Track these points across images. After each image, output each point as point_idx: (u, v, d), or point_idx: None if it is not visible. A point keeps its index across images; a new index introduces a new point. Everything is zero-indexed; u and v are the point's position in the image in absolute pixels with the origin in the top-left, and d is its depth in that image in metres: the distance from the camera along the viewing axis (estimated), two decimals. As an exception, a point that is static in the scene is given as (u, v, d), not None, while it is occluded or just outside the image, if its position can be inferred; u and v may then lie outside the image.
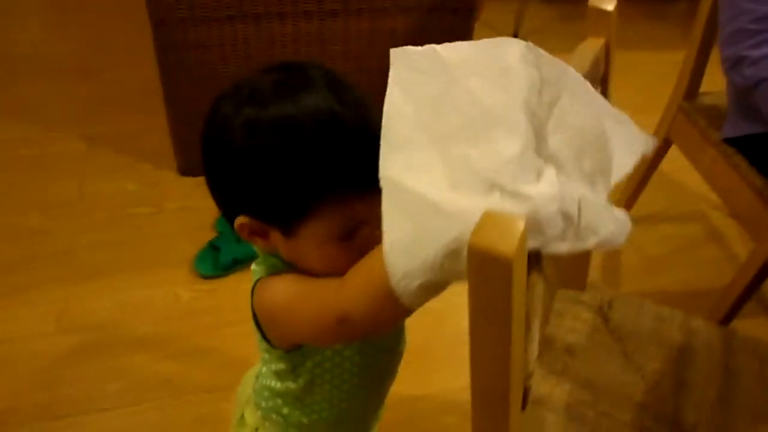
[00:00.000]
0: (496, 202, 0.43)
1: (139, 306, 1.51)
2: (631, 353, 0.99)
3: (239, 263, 1.59)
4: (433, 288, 0.46)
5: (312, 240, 0.59)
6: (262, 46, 1.66)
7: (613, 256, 1.77)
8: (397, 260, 0.45)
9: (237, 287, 1.57)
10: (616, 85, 0.83)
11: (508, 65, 0.48)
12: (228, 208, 0.64)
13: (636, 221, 1.74)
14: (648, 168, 1.69)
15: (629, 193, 1.76)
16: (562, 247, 0.45)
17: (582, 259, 1.05)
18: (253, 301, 0.66)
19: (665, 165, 1.67)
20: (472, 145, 0.45)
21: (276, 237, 0.62)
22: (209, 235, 1.67)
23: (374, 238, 0.51)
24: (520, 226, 0.42)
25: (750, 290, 1.35)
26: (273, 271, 0.64)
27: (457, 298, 0.51)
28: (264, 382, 0.77)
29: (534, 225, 0.43)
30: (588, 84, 0.55)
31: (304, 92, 0.57)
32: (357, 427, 0.84)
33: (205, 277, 1.58)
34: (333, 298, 0.55)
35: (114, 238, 1.68)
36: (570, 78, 0.53)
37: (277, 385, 0.74)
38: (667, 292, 1.68)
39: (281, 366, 0.71)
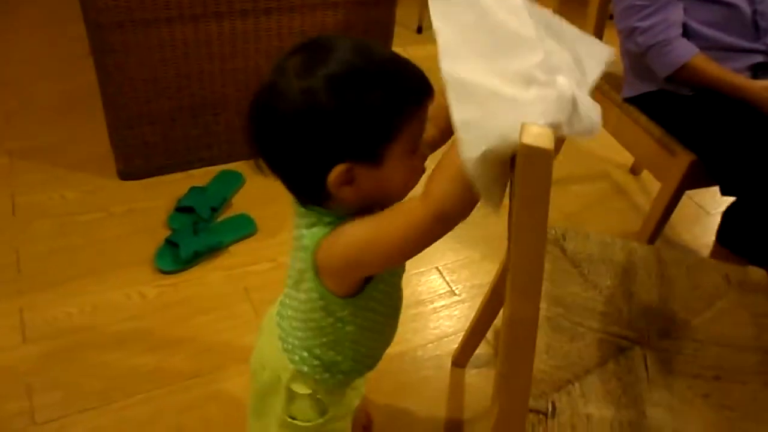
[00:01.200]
0: (536, 91, 0.57)
1: (105, 307, 1.53)
2: (587, 274, 1.16)
3: (200, 255, 1.64)
4: (494, 159, 0.58)
5: (396, 158, 0.70)
6: (200, 46, 1.72)
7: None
8: (468, 135, 0.57)
9: (201, 278, 1.62)
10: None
11: (516, 5, 0.63)
12: (318, 173, 0.69)
13: (552, 183, 1.94)
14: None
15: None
16: (569, 130, 0.60)
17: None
18: (317, 261, 0.74)
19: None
20: (505, 56, 0.59)
21: (363, 175, 0.70)
22: (163, 233, 1.70)
23: (426, 147, 0.73)
24: (552, 134, 0.56)
25: (660, 224, 1.58)
26: (333, 227, 0.73)
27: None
28: (307, 344, 0.87)
29: (558, 108, 0.58)
30: (561, 19, 0.72)
31: (350, 49, 0.69)
32: (378, 356, 0.96)
33: (167, 273, 1.62)
34: (421, 206, 0.65)
35: (62, 245, 1.67)
36: (550, 16, 0.68)
37: (326, 338, 0.85)
38: (588, 241, 1.90)
39: (345, 312, 0.81)
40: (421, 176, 0.72)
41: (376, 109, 0.67)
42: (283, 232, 1.76)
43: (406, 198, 0.75)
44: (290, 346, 0.89)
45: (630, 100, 1.62)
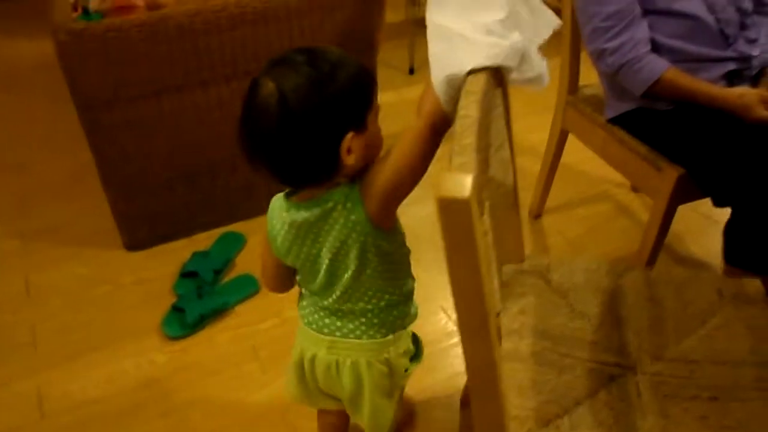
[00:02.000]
0: (493, 39, 0.80)
1: (118, 378, 1.56)
2: (574, 303, 1.16)
3: (206, 318, 1.67)
4: (454, 82, 0.80)
5: (371, 123, 0.89)
6: (188, 115, 1.77)
7: (540, 241, 1.97)
8: (436, 64, 0.82)
9: (209, 340, 1.65)
10: (510, 94, 1.02)
11: None
12: (332, 142, 0.85)
13: (554, 210, 1.97)
14: (552, 161, 1.91)
15: (542, 188, 1.98)
16: (519, 76, 0.85)
17: (517, 237, 1.22)
18: (367, 210, 0.90)
19: (566, 158, 1.90)
20: (478, 10, 0.81)
21: (356, 142, 0.86)
22: (170, 300, 1.74)
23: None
24: (469, 181, 0.58)
25: (658, 242, 1.56)
26: (356, 183, 0.91)
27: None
28: (389, 310, 1.05)
29: (508, 55, 0.80)
30: None
31: (335, 52, 0.88)
32: None
33: (175, 338, 1.65)
34: (419, 122, 0.86)
35: (77, 321, 1.72)
36: None
37: (401, 271, 1.04)
38: (593, 264, 1.88)
39: (399, 239, 1.00)
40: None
41: (364, 84, 0.88)
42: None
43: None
44: (378, 327, 1.04)
45: (613, 121, 1.62)
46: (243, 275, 1.82)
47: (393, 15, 3.36)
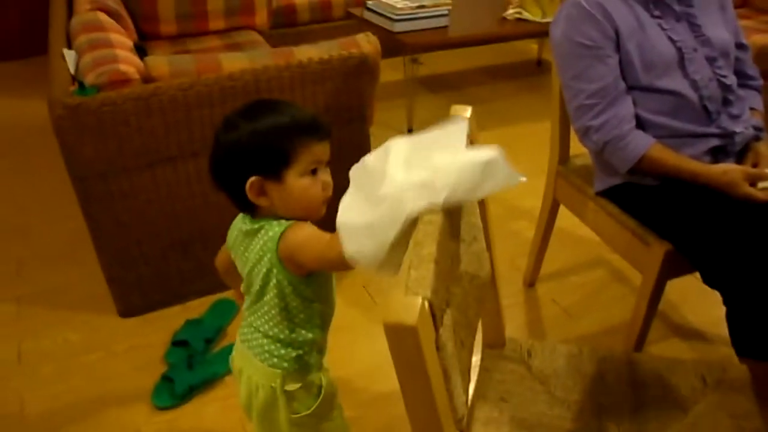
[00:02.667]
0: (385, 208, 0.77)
1: (103, 451, 1.55)
2: (554, 390, 1.14)
3: (195, 389, 1.66)
4: (383, 262, 0.77)
5: (294, 177, 0.98)
6: (181, 185, 1.80)
7: (535, 311, 1.95)
8: (359, 261, 0.79)
9: (197, 411, 1.63)
10: (507, 155, 1.01)
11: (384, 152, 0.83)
12: (240, 182, 0.97)
13: (548, 278, 1.96)
14: (545, 229, 1.91)
15: (535, 255, 1.97)
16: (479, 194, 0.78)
17: (497, 322, 1.22)
18: (279, 248, 0.97)
19: (560, 222, 1.90)
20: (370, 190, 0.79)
21: (271, 189, 0.98)
22: (161, 368, 1.74)
23: (328, 176, 1.02)
24: (418, 304, 0.58)
25: (649, 316, 1.54)
26: (289, 224, 0.98)
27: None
28: (284, 341, 1.07)
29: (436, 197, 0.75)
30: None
31: (272, 108, 1.00)
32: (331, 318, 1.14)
33: (164, 409, 1.64)
34: (336, 245, 0.84)
35: (65, 389, 1.71)
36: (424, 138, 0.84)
37: (301, 317, 1.06)
38: (588, 333, 1.86)
39: (308, 291, 1.03)
40: (322, 196, 1.01)
41: (273, 141, 0.96)
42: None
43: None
44: (269, 354, 1.08)
45: (602, 193, 1.62)
46: (234, 344, 1.81)
47: (392, 74, 3.42)
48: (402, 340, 0.58)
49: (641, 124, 1.47)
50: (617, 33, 1.43)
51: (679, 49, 1.44)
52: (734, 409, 1.10)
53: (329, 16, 3.35)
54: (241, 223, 1.07)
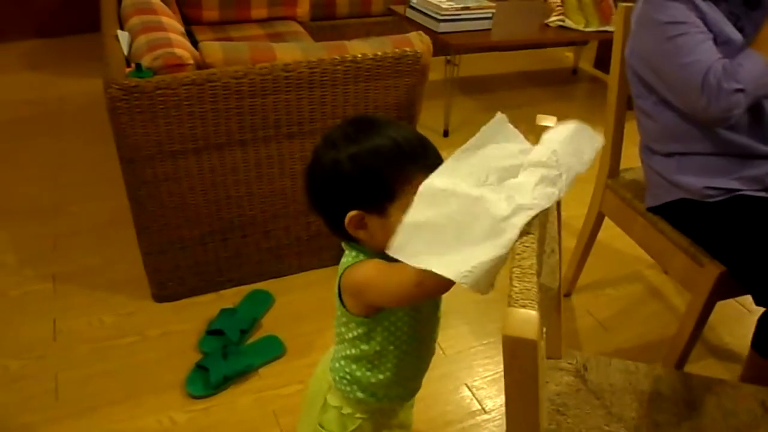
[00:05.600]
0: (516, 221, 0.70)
1: (136, 435, 1.55)
2: (610, 406, 1.13)
3: (230, 380, 1.66)
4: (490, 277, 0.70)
5: (399, 213, 0.82)
6: (226, 173, 1.79)
7: (570, 322, 1.94)
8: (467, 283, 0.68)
9: (231, 402, 1.63)
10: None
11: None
12: (339, 212, 0.89)
13: (584, 289, 1.95)
14: (588, 241, 1.89)
15: (575, 266, 1.96)
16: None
17: (557, 334, 1.21)
18: (341, 282, 0.93)
19: (600, 235, 1.88)
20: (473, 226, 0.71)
21: (372, 222, 0.89)
22: (194, 356, 1.73)
23: None
24: (536, 317, 0.57)
25: (694, 336, 1.53)
26: (360, 260, 0.92)
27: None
28: (340, 354, 1.03)
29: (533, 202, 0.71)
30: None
31: (378, 129, 0.88)
32: (409, 387, 1.08)
33: (198, 398, 1.63)
34: (411, 271, 0.77)
35: (99, 371, 1.71)
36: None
37: (352, 351, 1.00)
38: (623, 348, 1.85)
39: (360, 330, 0.97)
40: None
41: (381, 177, 0.86)
42: (312, 353, 1.77)
43: None
44: (334, 357, 1.06)
45: (654, 210, 1.60)
46: (269, 336, 1.81)
47: (430, 74, 3.40)
48: (521, 354, 0.57)
49: (707, 135, 1.44)
50: (704, 21, 1.40)
51: None
52: (794, 438, 1.09)
53: (368, 11, 3.34)
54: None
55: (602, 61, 3.87)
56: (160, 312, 1.91)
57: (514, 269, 0.71)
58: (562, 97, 3.56)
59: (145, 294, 1.95)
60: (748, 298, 1.39)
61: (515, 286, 0.68)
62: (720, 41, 1.40)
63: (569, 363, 1.21)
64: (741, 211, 1.42)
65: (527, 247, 0.74)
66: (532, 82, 3.81)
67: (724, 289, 1.45)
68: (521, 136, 0.81)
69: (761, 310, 1.37)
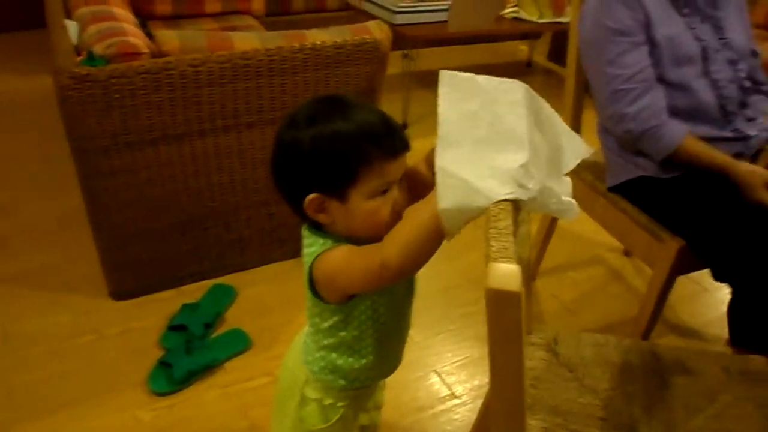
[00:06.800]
0: (513, 189, 0.67)
1: (100, 436, 1.49)
2: (582, 378, 1.14)
3: (194, 375, 1.61)
4: (462, 222, 0.69)
5: (360, 198, 0.85)
6: (185, 164, 1.75)
7: (536, 305, 1.96)
8: (445, 212, 0.68)
9: (197, 398, 1.59)
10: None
11: (517, 99, 0.73)
12: (299, 194, 0.86)
13: (548, 272, 1.97)
14: (549, 225, 1.91)
15: (537, 250, 1.98)
16: (535, 209, 0.73)
17: (526, 306, 1.21)
18: (313, 270, 0.89)
19: (562, 220, 1.90)
20: (496, 151, 0.69)
21: (333, 207, 0.86)
22: (156, 353, 1.68)
23: (401, 195, 0.87)
24: (518, 273, 0.57)
25: (656, 311, 1.56)
26: (328, 247, 0.88)
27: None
28: (318, 345, 0.99)
29: (529, 200, 0.69)
30: (553, 113, 0.80)
31: (343, 110, 0.85)
32: (389, 365, 1.05)
33: (162, 394, 1.59)
34: (375, 252, 0.79)
35: (56, 372, 1.64)
36: (545, 109, 0.79)
37: (330, 340, 0.97)
38: (589, 329, 1.87)
39: (335, 318, 0.94)
40: (391, 218, 0.86)
41: (342, 159, 0.83)
42: (278, 345, 1.74)
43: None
44: (306, 348, 1.03)
45: (614, 189, 1.63)
46: (233, 330, 1.77)
47: (388, 69, 3.41)
48: (505, 306, 0.57)
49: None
50: (648, 21, 1.44)
51: (704, 49, 1.46)
52: (760, 400, 1.11)
53: (323, 6, 3.33)
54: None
55: (556, 54, 3.94)
56: (118, 310, 1.85)
57: (491, 230, 0.71)
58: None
59: (102, 292, 1.89)
60: (703, 276, 1.43)
61: (492, 245, 0.68)
62: (662, 36, 1.46)
63: (540, 338, 1.21)
64: (697, 186, 1.45)
65: (502, 209, 0.74)
66: (488, 75, 3.83)
67: (683, 264, 1.48)
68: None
69: (717, 288, 1.41)
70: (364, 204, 0.85)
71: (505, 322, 0.58)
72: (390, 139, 0.84)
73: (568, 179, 0.78)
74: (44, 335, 1.76)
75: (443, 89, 0.72)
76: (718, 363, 1.19)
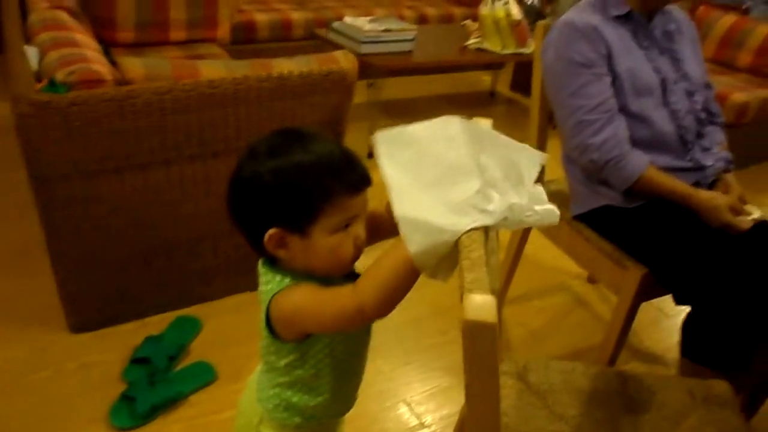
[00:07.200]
0: (475, 218, 0.69)
1: (55, 476, 1.43)
2: (552, 405, 1.14)
3: (158, 409, 1.57)
4: (435, 260, 0.72)
5: (322, 234, 0.83)
6: (149, 194, 1.72)
7: (504, 334, 1.97)
8: (417, 256, 0.70)
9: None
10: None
11: (453, 134, 0.75)
12: (258, 229, 0.84)
13: (514, 300, 1.97)
14: (515, 255, 1.93)
15: (504, 279, 1.99)
16: (512, 226, 0.74)
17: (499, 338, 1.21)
18: (270, 309, 0.86)
19: (527, 248, 1.93)
20: (448, 188, 0.71)
21: (294, 242, 0.84)
22: (118, 387, 1.63)
23: (363, 230, 0.86)
24: (494, 304, 0.57)
25: (622, 337, 1.58)
26: (288, 284, 0.86)
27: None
28: (272, 383, 0.96)
29: (493, 223, 0.70)
30: (495, 132, 0.82)
31: (303, 143, 0.84)
32: (346, 403, 1.02)
33: (124, 430, 1.53)
34: (349, 297, 0.78)
35: (9, 411, 1.57)
36: (485, 132, 0.81)
37: (285, 378, 0.94)
38: (555, 356, 1.89)
39: (292, 357, 0.91)
40: (352, 254, 0.86)
41: (303, 194, 0.82)
42: (244, 376, 1.67)
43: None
44: (260, 386, 1.00)
45: (579, 217, 1.66)
46: (198, 362, 1.73)
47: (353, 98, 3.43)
48: (481, 338, 0.57)
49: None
50: (609, 53, 1.49)
51: (663, 80, 1.50)
52: (722, 424, 1.13)
53: (288, 35, 3.34)
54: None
55: (518, 84, 4.02)
56: (77, 343, 1.79)
57: (464, 261, 0.71)
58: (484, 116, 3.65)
59: (60, 325, 1.83)
60: (664, 302, 1.45)
61: (467, 276, 0.68)
62: (623, 68, 1.51)
63: (509, 367, 1.22)
64: (660, 214, 1.49)
65: (474, 240, 0.75)
66: (452, 104, 3.90)
67: (647, 290, 1.51)
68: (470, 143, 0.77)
69: (678, 313, 1.44)
70: (325, 239, 0.83)
71: (482, 353, 0.58)
72: (352, 174, 0.83)
73: (539, 188, 0.78)
74: (-2, 371, 1.69)
75: (381, 148, 0.75)
76: (683, 388, 1.21)
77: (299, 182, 0.81)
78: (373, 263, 0.78)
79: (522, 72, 3.83)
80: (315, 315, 0.84)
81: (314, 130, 0.88)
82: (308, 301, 0.84)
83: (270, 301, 0.86)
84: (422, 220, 0.70)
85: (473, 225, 0.70)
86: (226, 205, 0.88)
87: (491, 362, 0.58)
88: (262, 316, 0.88)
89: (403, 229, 0.70)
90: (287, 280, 0.86)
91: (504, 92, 4.15)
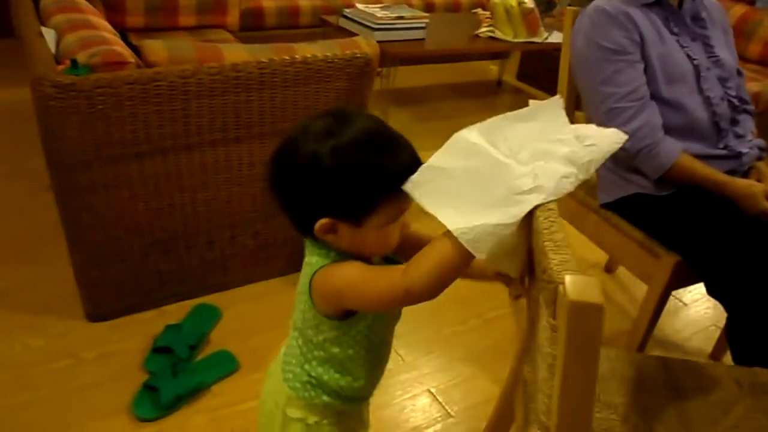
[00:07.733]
0: (526, 198, 0.72)
1: (80, 467, 1.40)
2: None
3: (182, 399, 1.54)
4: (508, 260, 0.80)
5: (374, 226, 0.84)
6: (170, 179, 1.68)
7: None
8: (491, 260, 0.75)
9: (184, 423, 1.51)
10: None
11: (466, 146, 0.75)
12: (309, 216, 0.84)
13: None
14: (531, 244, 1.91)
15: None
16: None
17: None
18: (313, 283, 0.87)
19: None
20: (489, 191, 0.73)
21: (344, 230, 0.84)
22: (139, 377, 1.60)
23: (406, 216, 0.86)
24: (598, 282, 0.55)
25: (651, 325, 1.57)
26: (335, 260, 0.86)
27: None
28: (304, 358, 0.96)
29: (547, 196, 0.72)
30: (503, 115, 0.79)
31: (356, 124, 0.82)
32: (373, 384, 1.02)
33: (147, 421, 1.50)
34: (399, 278, 0.78)
35: (26, 400, 1.54)
36: (497, 121, 0.78)
37: (320, 353, 0.94)
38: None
39: (333, 333, 0.91)
40: (396, 241, 0.87)
41: (365, 189, 0.81)
42: (265, 366, 1.66)
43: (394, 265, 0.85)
44: (288, 366, 0.99)
45: (607, 206, 1.64)
46: (220, 351, 1.70)
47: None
48: (587, 319, 0.55)
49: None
50: (642, 39, 1.47)
51: (696, 67, 1.49)
52: (771, 412, 1.12)
53: (296, 22, 3.30)
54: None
55: (525, 74, 4.00)
56: (96, 332, 1.76)
57: (546, 243, 0.69)
58: (489, 108, 3.64)
59: (78, 313, 1.79)
60: (682, 292, 1.43)
61: (553, 259, 0.66)
62: (655, 55, 1.49)
63: (553, 354, 1.20)
64: (692, 202, 1.47)
65: (553, 222, 0.73)
66: (460, 94, 3.88)
67: (680, 278, 1.50)
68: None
69: (696, 303, 1.42)
70: (377, 231, 0.85)
71: (589, 335, 0.56)
72: (409, 171, 0.80)
73: (584, 131, 0.78)
74: (13, 360, 1.65)
75: (415, 195, 0.78)
76: (729, 376, 1.19)
77: (363, 176, 0.80)
78: (427, 247, 0.78)
79: (529, 62, 3.81)
80: (362, 290, 0.84)
81: (393, 130, 0.86)
82: (357, 276, 0.84)
83: (314, 274, 0.87)
84: (476, 225, 0.72)
85: (528, 208, 0.72)
86: (271, 187, 0.87)
87: (596, 345, 0.56)
88: (304, 289, 0.89)
89: (465, 243, 0.72)
90: (332, 256, 0.87)
91: (511, 81, 4.13)
